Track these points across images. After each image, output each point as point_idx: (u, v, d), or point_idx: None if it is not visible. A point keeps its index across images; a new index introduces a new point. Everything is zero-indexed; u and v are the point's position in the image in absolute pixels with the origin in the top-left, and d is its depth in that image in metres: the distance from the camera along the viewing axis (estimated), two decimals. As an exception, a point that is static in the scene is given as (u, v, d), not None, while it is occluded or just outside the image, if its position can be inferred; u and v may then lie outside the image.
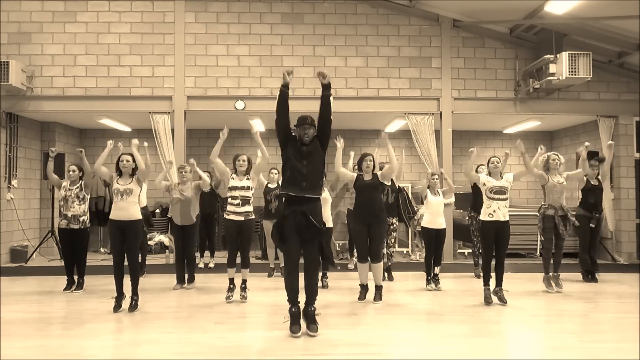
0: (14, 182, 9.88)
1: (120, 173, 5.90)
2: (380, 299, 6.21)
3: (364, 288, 6.36)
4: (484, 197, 6.18)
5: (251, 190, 6.35)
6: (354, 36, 9.88)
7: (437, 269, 7.13)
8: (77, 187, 6.87)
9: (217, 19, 9.81)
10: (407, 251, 10.82)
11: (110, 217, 5.84)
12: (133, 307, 5.80)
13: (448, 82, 9.92)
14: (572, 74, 8.81)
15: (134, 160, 5.90)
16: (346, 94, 9.83)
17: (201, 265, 8.93)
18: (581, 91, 10.01)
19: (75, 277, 6.99)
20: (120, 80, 9.68)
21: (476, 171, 7.21)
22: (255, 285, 7.50)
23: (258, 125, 11.59)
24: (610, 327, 5.30)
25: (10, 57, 9.18)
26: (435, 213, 7.03)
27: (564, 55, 8.83)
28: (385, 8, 9.91)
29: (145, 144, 6.38)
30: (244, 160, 6.31)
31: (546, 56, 9.09)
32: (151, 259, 9.67)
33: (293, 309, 4.86)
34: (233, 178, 6.29)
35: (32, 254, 9.84)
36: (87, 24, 9.69)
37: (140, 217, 5.92)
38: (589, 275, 7.68)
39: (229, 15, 9.81)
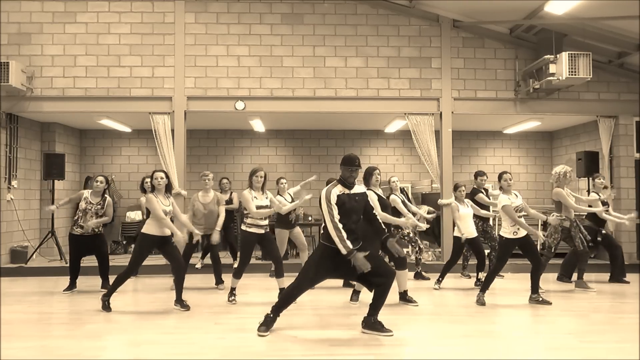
0: (14, 183, 9.88)
1: (152, 190, 5.89)
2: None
3: (357, 293, 6.37)
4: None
5: (270, 207, 6.34)
6: (354, 36, 9.88)
7: (481, 274, 7.32)
8: (99, 204, 6.80)
9: (217, 20, 9.81)
10: (407, 252, 10.80)
11: (153, 232, 5.81)
12: (186, 307, 5.89)
13: (448, 83, 9.91)
14: (572, 74, 8.81)
15: (167, 177, 5.95)
16: (346, 94, 9.83)
17: (198, 266, 8.93)
18: (581, 91, 10.01)
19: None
20: (120, 80, 9.67)
21: (455, 188, 7.48)
22: (257, 286, 7.52)
23: (258, 126, 11.60)
24: (610, 327, 5.29)
25: (10, 58, 9.18)
26: (465, 224, 7.18)
27: (564, 56, 8.83)
28: (385, 8, 9.91)
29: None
30: (261, 177, 6.26)
31: (546, 56, 9.09)
32: (152, 260, 9.65)
33: (272, 315, 4.92)
34: (255, 197, 6.21)
35: (32, 255, 9.83)
36: (87, 25, 9.69)
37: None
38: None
39: (229, 15, 9.81)
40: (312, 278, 4.95)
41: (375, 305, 4.94)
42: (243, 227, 6.26)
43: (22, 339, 4.78)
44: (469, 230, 7.17)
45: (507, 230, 6.14)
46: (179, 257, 5.99)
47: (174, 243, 5.98)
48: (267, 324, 4.90)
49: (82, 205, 6.75)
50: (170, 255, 5.94)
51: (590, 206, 7.52)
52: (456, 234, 7.22)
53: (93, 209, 6.77)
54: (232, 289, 6.33)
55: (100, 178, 6.87)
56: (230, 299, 6.26)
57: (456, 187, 7.44)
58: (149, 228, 5.83)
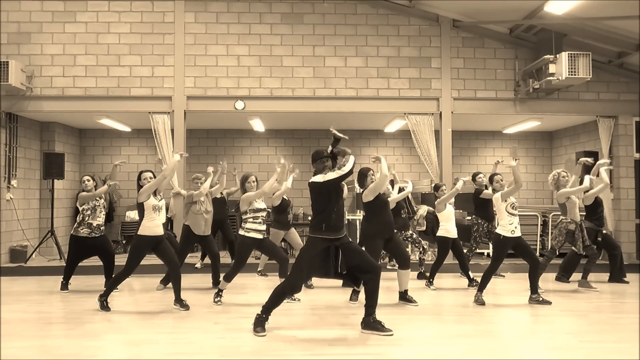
0: (14, 182, 9.87)
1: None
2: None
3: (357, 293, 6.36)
4: (504, 213, 6.16)
5: (266, 210, 6.35)
6: (354, 36, 9.88)
7: (472, 274, 7.40)
8: (101, 198, 6.87)
9: (216, 19, 9.80)
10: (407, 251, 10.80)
11: (147, 233, 5.79)
12: (186, 307, 5.88)
13: (448, 82, 9.91)
14: (571, 74, 8.81)
15: (154, 176, 5.95)
16: (346, 94, 9.83)
17: (198, 265, 8.93)
18: (581, 91, 10.01)
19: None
20: (120, 80, 9.67)
21: (436, 189, 7.50)
22: (256, 285, 7.52)
23: (258, 125, 11.60)
24: (610, 327, 5.30)
25: (10, 57, 9.16)
26: (451, 222, 7.20)
27: (564, 56, 8.83)
28: (385, 8, 9.90)
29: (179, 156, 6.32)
30: (254, 181, 6.25)
31: (546, 56, 9.09)
32: (151, 259, 9.64)
33: (263, 316, 4.89)
34: (256, 201, 6.18)
35: (31, 254, 9.83)
36: (87, 24, 9.69)
37: None
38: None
39: (229, 15, 9.80)
40: (305, 276, 4.93)
41: (370, 304, 4.91)
42: (241, 232, 6.15)
43: (22, 339, 4.78)
44: (451, 230, 7.21)
45: (505, 229, 6.15)
46: (174, 258, 6.00)
47: (168, 243, 6.02)
48: (260, 324, 4.86)
49: (90, 204, 6.76)
50: (165, 256, 5.94)
51: (588, 193, 7.53)
52: (440, 233, 7.25)
53: (100, 203, 6.84)
54: (220, 290, 6.26)
55: (85, 178, 6.90)
56: (216, 299, 6.20)
57: (437, 188, 7.48)
58: (143, 230, 5.82)
